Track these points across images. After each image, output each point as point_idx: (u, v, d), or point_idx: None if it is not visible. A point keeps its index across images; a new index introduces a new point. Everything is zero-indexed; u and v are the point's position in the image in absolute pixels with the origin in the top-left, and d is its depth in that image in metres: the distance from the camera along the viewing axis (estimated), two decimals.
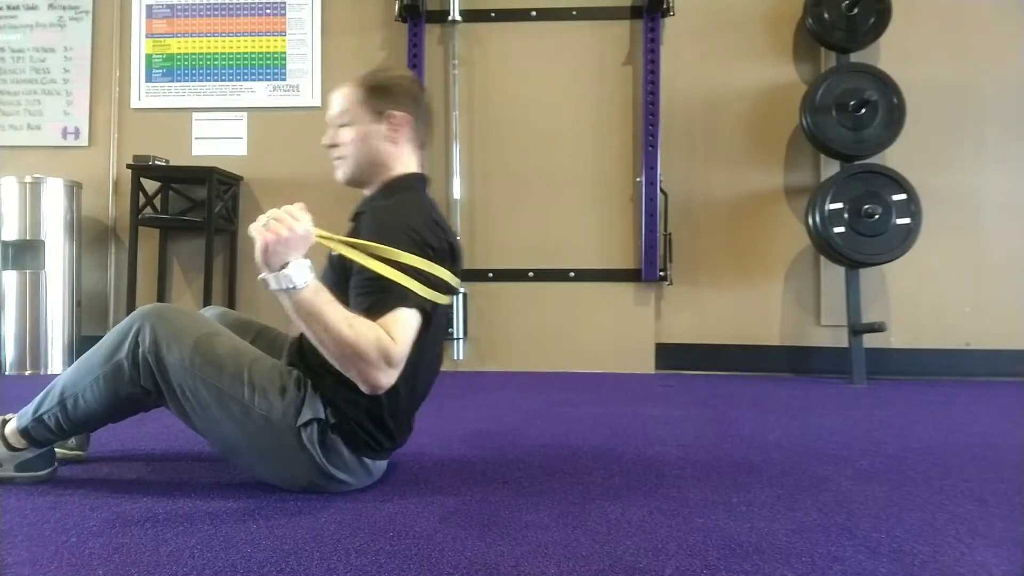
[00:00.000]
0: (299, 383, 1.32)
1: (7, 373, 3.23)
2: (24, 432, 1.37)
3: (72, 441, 1.55)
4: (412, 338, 1.25)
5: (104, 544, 1.06)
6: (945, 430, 2.06)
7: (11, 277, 3.25)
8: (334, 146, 1.44)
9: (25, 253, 3.26)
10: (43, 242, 3.27)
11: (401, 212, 1.35)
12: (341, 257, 1.29)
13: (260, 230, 1.14)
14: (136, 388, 1.31)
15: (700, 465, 1.60)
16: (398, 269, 1.24)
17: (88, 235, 3.59)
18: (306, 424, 1.28)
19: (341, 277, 1.29)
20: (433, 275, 1.28)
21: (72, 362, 3.48)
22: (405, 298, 1.24)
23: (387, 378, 1.22)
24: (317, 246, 1.22)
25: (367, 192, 1.48)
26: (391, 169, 1.43)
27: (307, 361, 1.33)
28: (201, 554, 1.02)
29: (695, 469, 1.57)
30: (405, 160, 1.45)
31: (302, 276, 1.15)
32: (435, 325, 1.35)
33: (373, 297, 1.24)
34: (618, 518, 1.20)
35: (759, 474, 1.51)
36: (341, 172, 1.46)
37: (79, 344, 3.38)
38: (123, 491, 1.35)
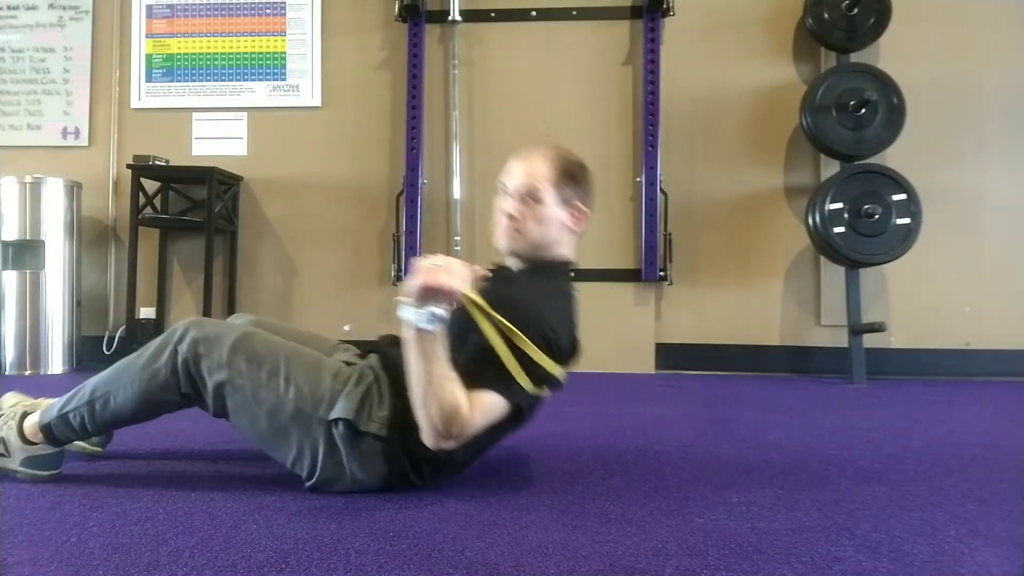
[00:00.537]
0: (336, 377, 1.34)
1: (7, 373, 3.23)
2: (45, 428, 1.38)
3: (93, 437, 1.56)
4: (490, 421, 1.26)
5: (104, 544, 1.06)
6: (945, 430, 2.06)
7: (11, 277, 3.25)
8: (512, 217, 1.42)
9: (25, 253, 3.26)
10: (43, 242, 3.27)
11: (546, 304, 1.35)
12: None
13: (424, 269, 1.16)
14: (173, 395, 1.33)
15: (700, 465, 1.60)
16: (519, 357, 1.25)
17: (88, 235, 3.59)
18: (336, 421, 1.29)
19: (463, 326, 1.27)
20: (548, 373, 1.29)
21: (72, 362, 3.52)
22: (508, 389, 1.25)
23: (444, 444, 1.23)
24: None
25: (516, 260, 1.47)
26: (552, 252, 1.45)
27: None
28: (201, 554, 1.02)
29: (695, 469, 1.57)
30: (567, 247, 1.47)
31: (432, 323, 1.17)
32: (530, 409, 1.36)
33: (481, 368, 1.25)
34: (618, 518, 1.20)
35: (759, 474, 1.51)
36: (507, 242, 1.44)
37: (79, 344, 3.38)
38: (123, 491, 1.34)
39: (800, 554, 1.04)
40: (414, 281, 1.16)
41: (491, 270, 1.49)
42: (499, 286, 1.34)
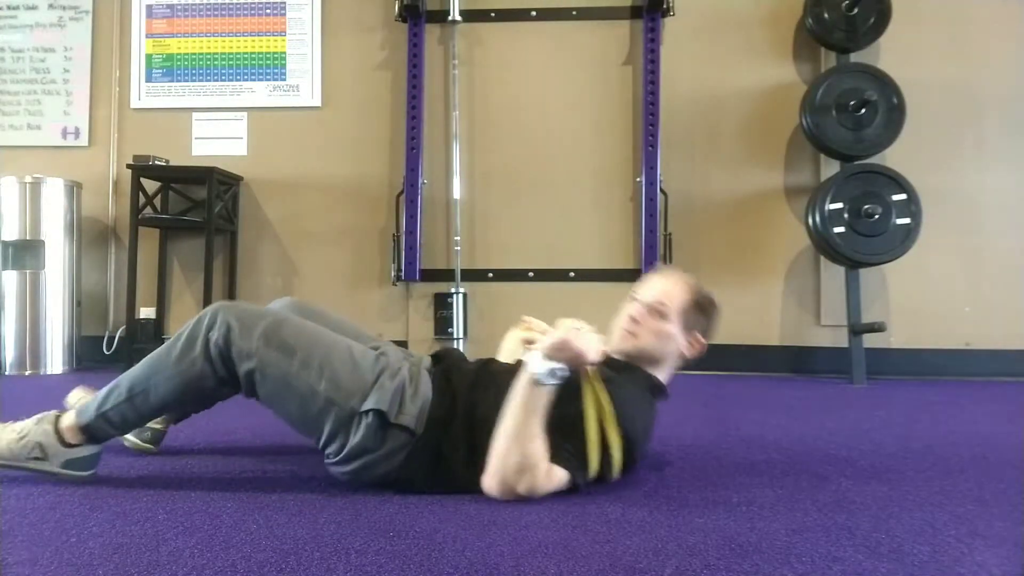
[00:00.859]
0: (370, 368, 1.37)
1: (7, 373, 3.23)
2: (85, 428, 1.39)
3: (147, 433, 1.61)
4: (551, 491, 1.29)
5: (104, 544, 1.06)
6: (945, 430, 2.06)
7: (11, 277, 3.25)
8: (636, 322, 1.48)
9: (25, 253, 3.26)
10: (43, 242, 3.27)
11: (643, 414, 1.40)
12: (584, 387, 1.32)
13: (573, 331, 1.27)
14: (211, 382, 1.36)
15: (700, 465, 1.60)
16: (601, 445, 1.29)
17: (88, 235, 3.59)
18: (367, 411, 1.32)
19: (569, 394, 1.30)
20: (611, 469, 1.32)
21: (72, 362, 3.52)
22: (578, 469, 1.29)
23: (503, 493, 1.26)
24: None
25: (618, 354, 1.51)
26: (654, 367, 1.49)
27: (475, 398, 1.38)
28: (201, 554, 1.02)
29: (695, 469, 1.56)
30: (667, 370, 1.52)
31: (552, 379, 1.25)
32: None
33: (564, 438, 1.29)
34: (618, 518, 1.20)
35: (759, 474, 1.51)
36: (620, 342, 1.50)
37: (79, 344, 3.38)
38: (123, 491, 1.35)
39: (800, 554, 1.04)
40: (555, 335, 1.25)
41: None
42: (611, 373, 1.38)
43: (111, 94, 3.67)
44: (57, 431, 1.38)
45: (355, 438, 1.32)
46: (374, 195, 3.55)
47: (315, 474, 1.45)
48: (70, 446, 1.39)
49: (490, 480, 1.27)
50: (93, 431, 1.39)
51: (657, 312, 1.47)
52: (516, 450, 1.24)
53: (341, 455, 1.35)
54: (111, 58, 3.68)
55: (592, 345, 1.26)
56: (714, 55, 3.48)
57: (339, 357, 1.37)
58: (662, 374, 1.50)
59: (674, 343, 1.48)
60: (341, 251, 3.56)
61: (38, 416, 1.42)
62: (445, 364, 1.50)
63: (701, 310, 1.50)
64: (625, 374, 1.43)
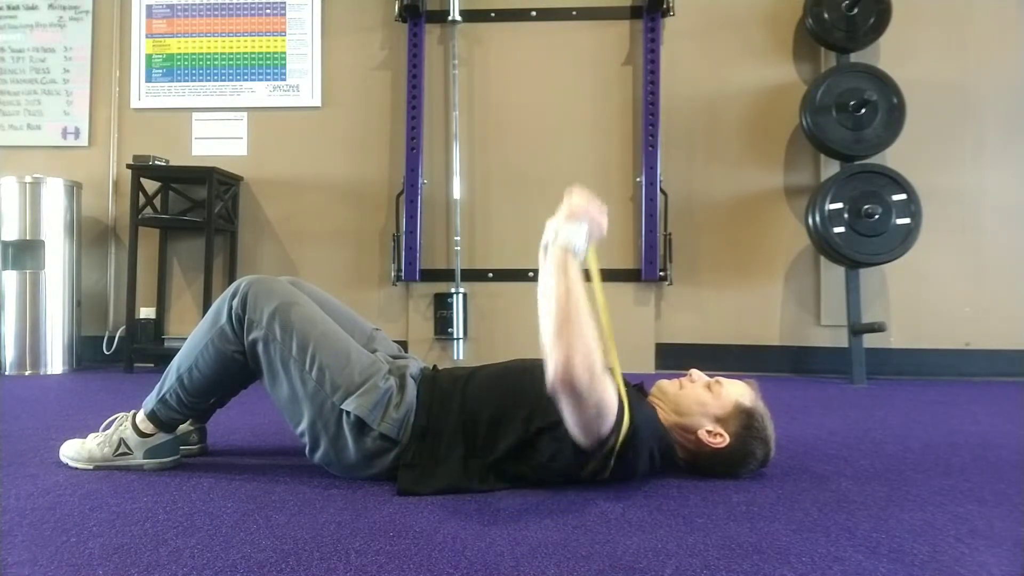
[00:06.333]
0: (362, 370, 1.39)
1: (7, 373, 3.23)
2: (151, 415, 1.48)
3: (193, 436, 1.64)
4: (604, 400, 1.22)
5: (104, 544, 1.06)
6: (945, 430, 2.06)
7: (11, 277, 3.25)
8: (691, 381, 1.49)
9: (25, 253, 3.26)
10: (43, 242, 3.27)
11: (653, 421, 1.38)
12: None
13: (585, 195, 1.26)
14: (234, 347, 1.41)
15: None
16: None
17: (88, 235, 3.59)
18: (348, 413, 1.34)
19: None
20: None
21: (72, 362, 3.53)
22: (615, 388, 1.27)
23: (565, 392, 1.18)
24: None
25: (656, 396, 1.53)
26: (671, 420, 1.47)
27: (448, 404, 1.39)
28: (201, 554, 1.02)
29: None
30: (676, 436, 1.48)
31: (585, 245, 1.25)
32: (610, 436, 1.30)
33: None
34: (618, 518, 1.20)
35: (759, 474, 1.51)
36: (666, 385, 1.52)
37: (79, 344, 3.38)
38: (123, 491, 1.35)
39: (800, 554, 1.04)
40: (573, 199, 1.23)
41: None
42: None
43: (111, 94, 3.67)
44: (134, 425, 1.48)
45: (330, 433, 1.36)
46: (374, 195, 3.55)
47: (315, 474, 1.45)
48: (147, 436, 1.48)
49: (557, 382, 1.18)
50: (159, 417, 1.48)
51: (711, 387, 1.44)
52: (577, 339, 1.17)
53: (325, 456, 1.40)
54: (111, 58, 3.68)
55: (605, 214, 1.25)
56: (714, 55, 3.48)
57: (335, 351, 1.40)
58: (671, 433, 1.44)
59: (701, 421, 1.41)
60: (341, 251, 3.56)
61: (115, 418, 1.53)
62: (434, 372, 1.53)
63: (748, 417, 1.41)
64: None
